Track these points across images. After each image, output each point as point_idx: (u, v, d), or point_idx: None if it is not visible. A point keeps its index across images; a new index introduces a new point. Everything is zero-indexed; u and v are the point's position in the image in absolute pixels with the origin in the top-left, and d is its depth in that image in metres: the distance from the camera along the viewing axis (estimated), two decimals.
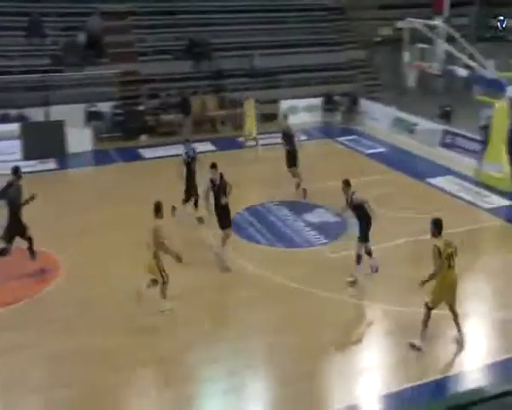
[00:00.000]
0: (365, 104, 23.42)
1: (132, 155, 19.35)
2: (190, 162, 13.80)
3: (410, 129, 21.04)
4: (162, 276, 10.20)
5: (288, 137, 15.48)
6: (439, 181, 16.87)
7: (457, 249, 9.32)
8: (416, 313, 9.73)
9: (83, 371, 9.05)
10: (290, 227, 13.97)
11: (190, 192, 13.72)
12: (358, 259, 11.28)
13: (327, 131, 22.19)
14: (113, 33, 23.50)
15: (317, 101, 23.53)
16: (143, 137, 21.39)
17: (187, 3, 25.84)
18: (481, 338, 10.21)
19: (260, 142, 19.55)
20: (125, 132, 21.01)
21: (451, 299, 9.46)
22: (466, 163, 17.93)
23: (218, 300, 11.44)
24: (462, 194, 16.05)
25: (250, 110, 20.04)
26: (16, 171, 11.61)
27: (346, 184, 11.29)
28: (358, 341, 10.23)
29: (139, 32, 24.55)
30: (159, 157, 18.84)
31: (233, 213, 14.40)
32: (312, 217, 14.46)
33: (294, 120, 22.66)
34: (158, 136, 21.24)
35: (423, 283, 9.28)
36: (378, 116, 22.67)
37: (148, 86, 22.90)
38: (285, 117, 16.69)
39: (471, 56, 18.99)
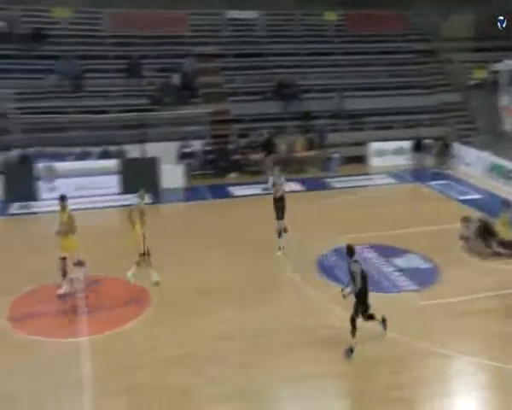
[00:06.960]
0: (458, 148, 22.76)
1: (222, 193, 19.76)
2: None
3: (507, 175, 20.18)
4: None
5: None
6: None
7: None
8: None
9: None
10: (378, 271, 13.63)
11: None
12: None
13: (416, 175, 21.71)
14: (205, 74, 24.41)
15: (407, 144, 23.14)
16: (233, 175, 21.84)
17: (274, 46, 26.45)
18: None
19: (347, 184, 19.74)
20: (215, 170, 21.61)
21: None
22: None
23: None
24: None
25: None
26: None
27: (350, 250, 10.15)
28: (453, 393, 9.68)
29: (228, 73, 25.33)
30: (247, 195, 19.12)
31: (318, 255, 14.27)
32: (402, 262, 14.07)
33: (383, 163, 22.61)
34: (246, 174, 21.65)
35: None
36: (471, 161, 21.92)
37: (238, 126, 23.45)
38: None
39: None
